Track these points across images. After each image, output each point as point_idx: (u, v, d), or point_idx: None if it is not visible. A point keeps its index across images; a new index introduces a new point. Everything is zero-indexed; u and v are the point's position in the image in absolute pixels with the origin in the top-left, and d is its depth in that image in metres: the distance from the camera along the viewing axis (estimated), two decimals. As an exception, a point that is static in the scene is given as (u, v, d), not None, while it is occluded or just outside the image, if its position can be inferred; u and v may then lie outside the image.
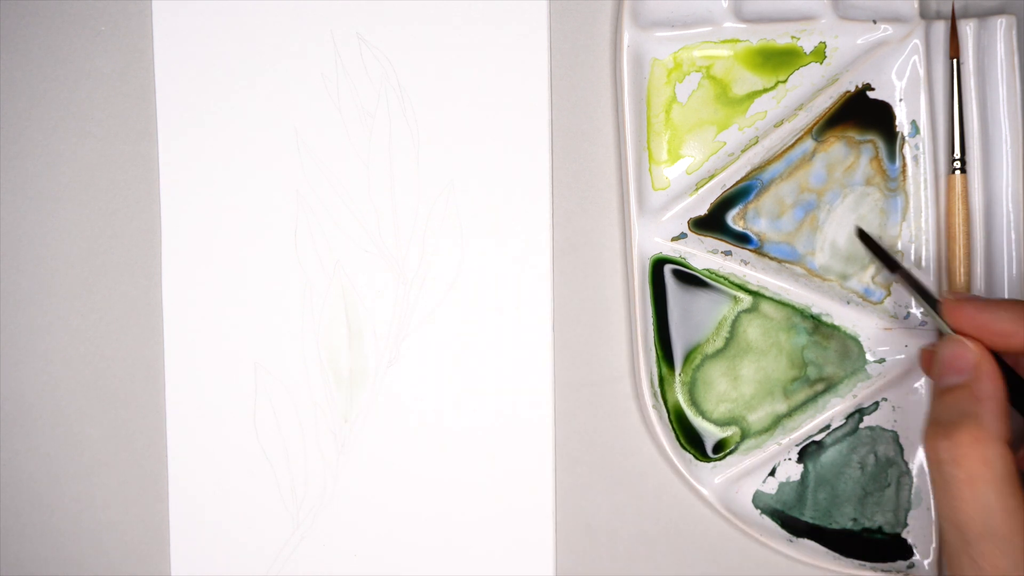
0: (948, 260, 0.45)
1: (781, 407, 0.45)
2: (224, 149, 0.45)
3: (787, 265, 0.46)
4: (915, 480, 0.45)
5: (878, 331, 0.45)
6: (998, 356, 0.36)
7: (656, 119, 0.45)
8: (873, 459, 0.45)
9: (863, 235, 0.44)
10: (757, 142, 0.45)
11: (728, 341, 0.45)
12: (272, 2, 0.45)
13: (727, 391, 0.45)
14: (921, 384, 0.45)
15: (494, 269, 0.45)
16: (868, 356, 0.45)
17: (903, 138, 0.45)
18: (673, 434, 0.45)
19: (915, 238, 0.45)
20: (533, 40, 0.45)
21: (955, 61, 0.45)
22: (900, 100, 0.45)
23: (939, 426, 0.35)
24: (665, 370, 0.45)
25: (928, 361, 0.39)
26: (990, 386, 0.35)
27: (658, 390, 0.45)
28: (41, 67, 0.45)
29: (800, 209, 0.46)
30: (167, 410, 0.45)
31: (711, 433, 0.45)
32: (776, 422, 0.45)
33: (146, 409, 0.45)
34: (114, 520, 0.45)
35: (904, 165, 0.45)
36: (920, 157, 0.45)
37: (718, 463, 0.45)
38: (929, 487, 0.45)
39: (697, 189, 0.45)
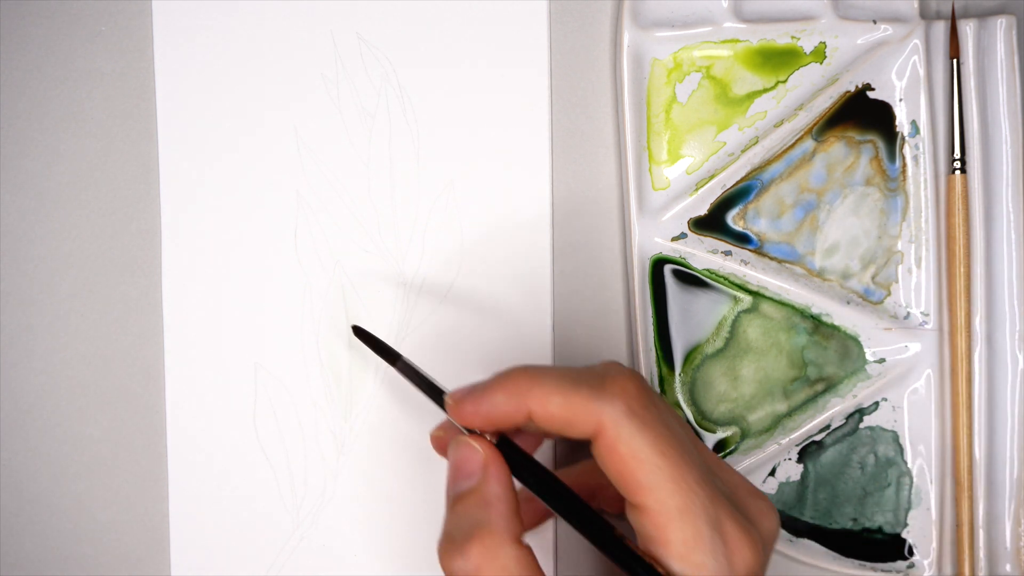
0: (948, 260, 0.45)
1: (781, 407, 0.46)
2: (224, 149, 0.45)
3: (787, 265, 0.46)
4: (915, 480, 0.45)
5: (878, 331, 0.45)
6: (509, 442, 0.35)
7: (656, 119, 0.45)
8: (873, 459, 0.45)
9: (359, 331, 0.41)
10: (757, 142, 0.45)
11: (728, 341, 0.45)
12: (272, 2, 0.45)
13: (727, 391, 0.45)
14: (921, 384, 0.45)
15: (494, 269, 0.45)
16: (868, 356, 0.45)
17: (903, 138, 0.45)
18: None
19: (915, 238, 0.45)
20: (533, 40, 0.45)
21: (955, 61, 0.45)
22: (900, 100, 0.45)
23: (452, 543, 0.34)
24: (665, 370, 0.45)
25: (438, 445, 0.38)
26: (498, 487, 0.34)
27: (658, 390, 0.45)
28: (41, 67, 0.45)
29: (800, 209, 0.46)
30: (167, 410, 0.45)
31: (711, 433, 0.45)
32: (776, 422, 0.45)
33: (146, 409, 0.45)
34: (114, 520, 0.45)
35: (904, 165, 0.45)
36: (920, 157, 0.45)
37: (718, 463, 0.45)
38: (928, 487, 0.45)
39: (697, 189, 0.45)
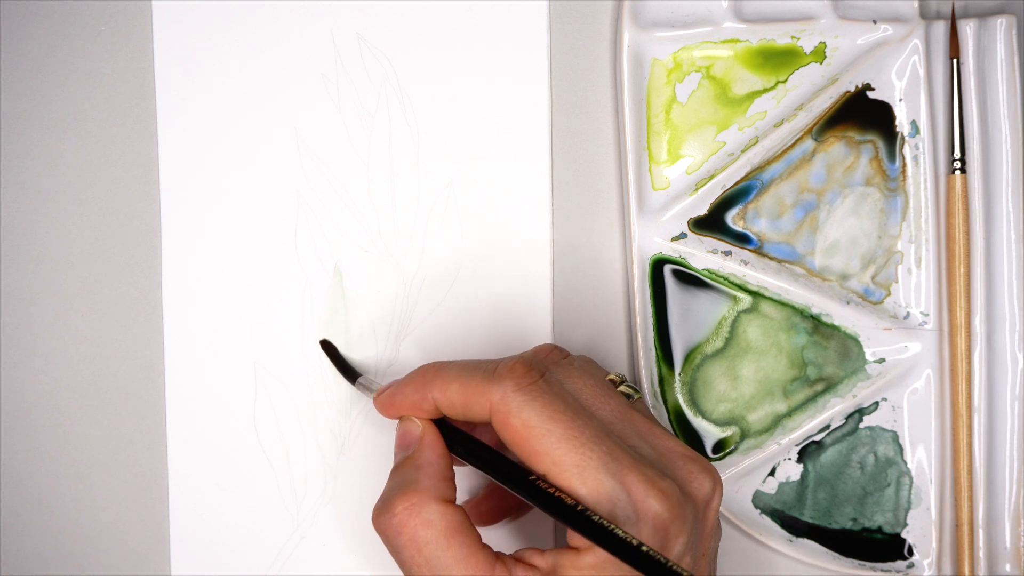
0: (948, 260, 0.45)
1: (781, 407, 0.46)
2: (224, 149, 0.45)
3: (787, 265, 0.46)
4: (915, 480, 0.45)
5: (878, 331, 0.45)
6: (447, 423, 0.39)
7: (656, 119, 0.45)
8: (873, 459, 0.45)
9: (326, 345, 0.45)
10: (757, 142, 0.45)
11: (728, 341, 0.45)
12: (272, 2, 0.45)
13: (727, 391, 0.45)
14: (921, 384, 0.45)
15: (494, 269, 0.45)
16: (868, 356, 0.45)
17: (903, 138, 0.45)
18: (673, 434, 0.45)
19: (915, 238, 0.45)
20: (533, 40, 0.45)
21: (955, 61, 0.45)
22: (900, 100, 0.45)
23: (383, 501, 0.37)
24: (665, 370, 0.45)
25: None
26: (431, 453, 0.37)
27: (658, 390, 0.45)
28: (41, 67, 0.45)
29: (800, 209, 0.46)
30: (167, 410, 0.45)
31: (711, 433, 0.46)
32: (776, 422, 0.45)
33: (146, 409, 0.45)
34: (114, 520, 0.45)
35: (904, 165, 0.45)
36: (920, 157, 0.45)
37: (718, 463, 0.45)
38: (928, 487, 0.45)
39: (697, 189, 0.45)
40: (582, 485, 0.34)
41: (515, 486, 0.35)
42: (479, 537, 0.36)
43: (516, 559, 0.35)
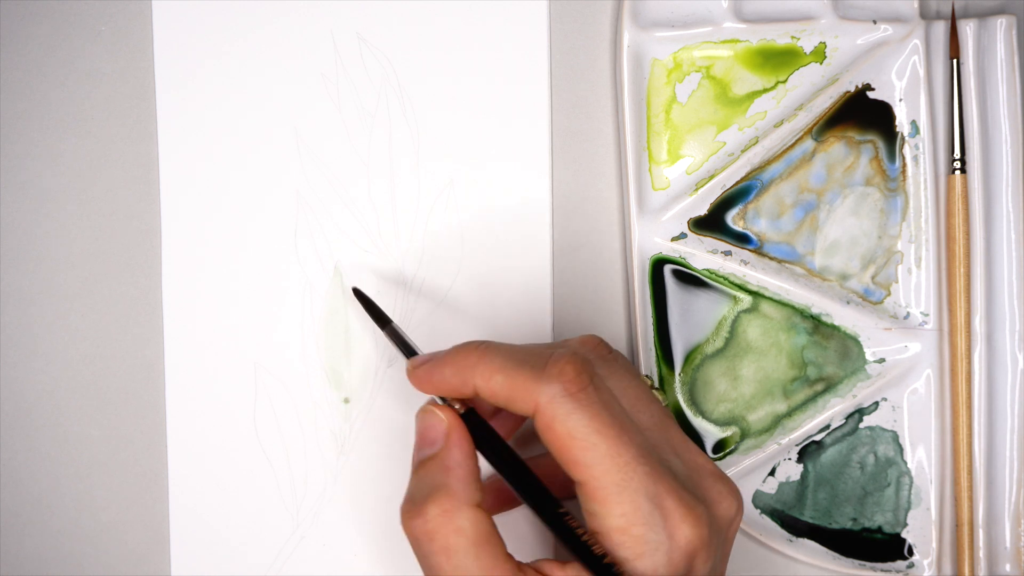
0: (948, 260, 0.45)
1: (781, 407, 0.46)
2: (224, 149, 0.45)
3: (787, 265, 0.46)
4: (915, 480, 0.45)
5: (878, 331, 0.45)
6: (475, 414, 0.37)
7: (656, 119, 0.45)
8: (873, 459, 0.46)
9: (357, 292, 0.43)
10: (757, 142, 0.45)
11: (728, 341, 0.45)
12: (272, 2, 0.45)
13: (727, 391, 0.45)
14: (921, 384, 0.45)
15: (494, 269, 0.45)
16: (868, 356, 0.45)
17: (903, 138, 0.45)
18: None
19: (915, 238, 0.45)
20: (533, 40, 0.45)
21: (955, 61, 0.45)
22: (900, 100, 0.45)
23: (412, 504, 0.35)
24: (665, 370, 0.45)
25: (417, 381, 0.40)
26: (459, 454, 0.36)
27: (658, 390, 0.45)
28: (41, 67, 0.45)
29: (800, 209, 0.46)
30: (167, 410, 0.45)
31: (711, 433, 0.46)
32: (776, 422, 0.45)
33: (146, 409, 0.45)
34: (114, 520, 0.45)
35: (904, 165, 0.45)
36: (920, 157, 0.45)
37: (718, 463, 0.45)
38: (928, 487, 0.45)
39: (697, 189, 0.45)
40: (619, 505, 0.34)
41: (540, 513, 0.35)
42: (504, 547, 0.35)
43: (536, 570, 0.35)
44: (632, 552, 0.34)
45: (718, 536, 0.35)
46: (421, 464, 0.36)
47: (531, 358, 0.35)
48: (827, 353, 0.45)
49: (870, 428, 0.46)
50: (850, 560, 0.45)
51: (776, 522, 0.45)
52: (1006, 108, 0.45)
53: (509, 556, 0.35)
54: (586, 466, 0.34)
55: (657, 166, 0.45)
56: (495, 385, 0.35)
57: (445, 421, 0.36)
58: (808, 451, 0.46)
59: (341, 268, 0.45)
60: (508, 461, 0.36)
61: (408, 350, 0.40)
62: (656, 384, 0.45)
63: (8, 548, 0.45)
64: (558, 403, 0.34)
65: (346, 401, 0.45)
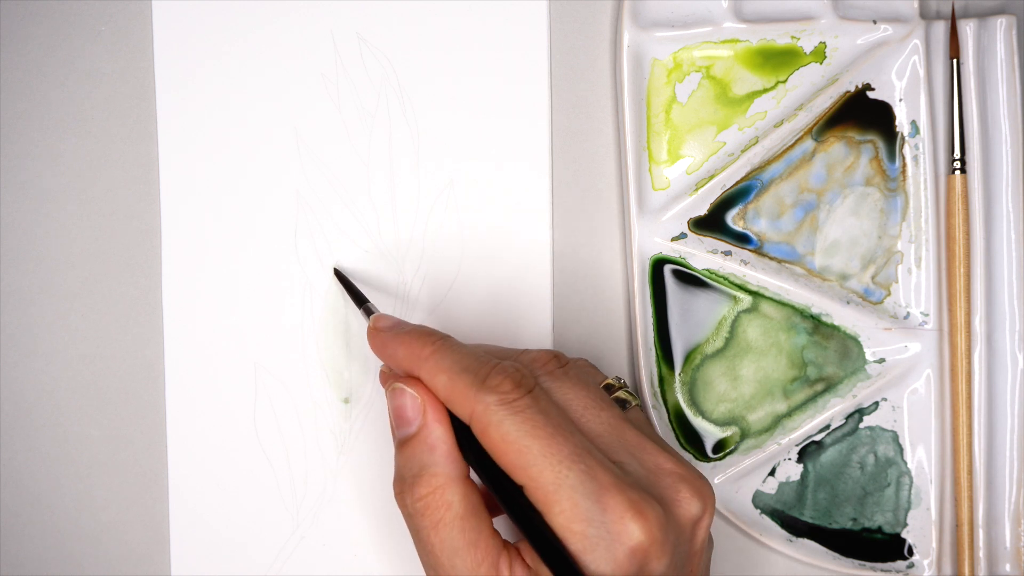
0: (948, 260, 0.45)
1: (781, 407, 0.46)
2: (224, 149, 0.45)
3: (787, 265, 0.46)
4: (915, 480, 0.45)
5: (878, 331, 0.45)
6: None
7: (656, 119, 0.45)
8: (873, 459, 0.46)
9: (338, 274, 0.44)
10: (757, 142, 0.45)
11: (728, 341, 0.45)
12: (272, 2, 0.45)
13: (727, 391, 0.45)
14: (921, 384, 0.45)
15: (494, 269, 0.45)
16: (868, 356, 0.45)
17: (903, 138, 0.45)
18: (673, 434, 0.45)
19: (915, 238, 0.45)
20: (533, 40, 0.45)
21: (955, 61, 0.45)
22: (900, 100, 0.45)
23: (403, 482, 0.37)
24: (665, 370, 0.45)
25: (383, 380, 0.40)
26: (439, 429, 0.37)
27: (658, 390, 0.45)
28: (41, 67, 0.45)
29: (800, 209, 0.46)
30: (167, 410, 0.45)
31: (711, 433, 0.46)
32: (776, 422, 0.45)
33: (146, 409, 0.45)
34: (114, 520, 0.45)
35: (904, 165, 0.45)
36: (920, 157, 0.45)
37: (718, 463, 0.45)
38: (928, 487, 0.45)
39: (697, 189, 0.45)
40: (558, 503, 0.34)
41: (500, 496, 0.36)
42: (490, 522, 0.36)
43: (517, 550, 0.36)
44: (578, 547, 0.34)
45: (677, 536, 0.35)
46: (404, 443, 0.38)
47: (476, 366, 0.36)
48: (827, 353, 0.45)
49: (870, 428, 0.46)
50: (850, 560, 0.45)
51: (776, 522, 0.45)
52: (1006, 108, 0.45)
53: (495, 532, 0.36)
54: (522, 468, 0.35)
55: (657, 166, 0.45)
56: (437, 384, 0.37)
57: (419, 399, 0.37)
58: (808, 451, 0.46)
59: (341, 268, 0.45)
60: (475, 447, 0.37)
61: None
62: (656, 384, 0.45)
63: (8, 548, 0.45)
64: (492, 411, 0.35)
65: (346, 401, 0.45)
